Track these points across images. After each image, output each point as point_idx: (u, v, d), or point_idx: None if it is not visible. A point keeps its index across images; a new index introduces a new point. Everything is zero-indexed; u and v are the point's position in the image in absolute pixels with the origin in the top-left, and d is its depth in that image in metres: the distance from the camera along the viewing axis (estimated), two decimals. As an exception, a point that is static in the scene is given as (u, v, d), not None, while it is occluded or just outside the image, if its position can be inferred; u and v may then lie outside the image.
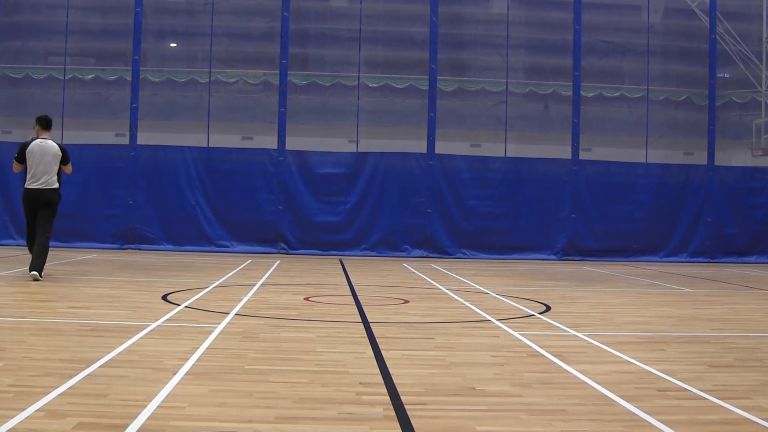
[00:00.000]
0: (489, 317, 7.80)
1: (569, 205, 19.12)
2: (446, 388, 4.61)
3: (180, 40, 20.38)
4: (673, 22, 21.03)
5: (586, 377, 4.96)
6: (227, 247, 18.24)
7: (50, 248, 10.61)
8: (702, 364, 5.58)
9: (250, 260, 15.62)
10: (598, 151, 20.07)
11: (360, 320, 7.36)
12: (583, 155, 19.59)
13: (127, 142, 18.46)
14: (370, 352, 5.67)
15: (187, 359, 5.14)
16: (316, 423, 3.81)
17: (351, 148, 19.42)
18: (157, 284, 10.29)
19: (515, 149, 19.67)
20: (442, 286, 11.29)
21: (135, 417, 3.72)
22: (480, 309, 8.47)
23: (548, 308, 8.72)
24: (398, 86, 20.27)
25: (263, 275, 12.17)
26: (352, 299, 9.25)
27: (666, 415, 4.06)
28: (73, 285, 9.93)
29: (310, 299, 9.11)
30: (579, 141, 19.42)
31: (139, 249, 17.83)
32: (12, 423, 3.55)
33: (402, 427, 3.76)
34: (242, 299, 8.72)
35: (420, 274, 13.42)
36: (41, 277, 10.04)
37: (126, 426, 3.58)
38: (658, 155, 19.91)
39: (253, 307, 8.09)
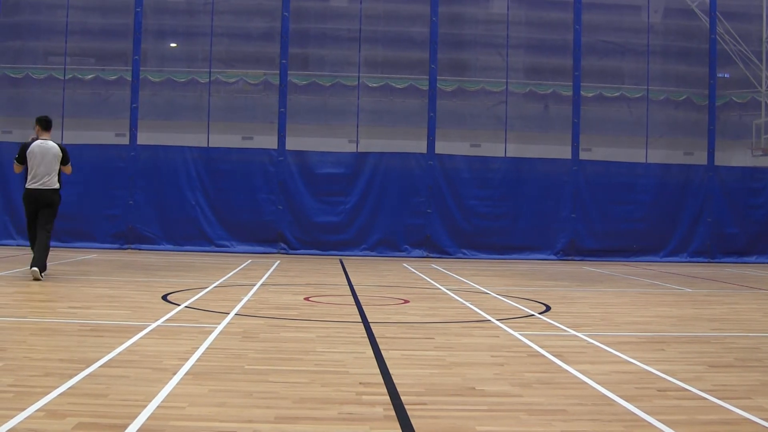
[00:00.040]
0: (489, 317, 7.80)
1: (569, 205, 19.12)
2: (446, 388, 4.61)
3: (180, 40, 20.38)
4: (673, 22, 21.03)
5: (586, 377, 4.96)
6: (227, 247, 18.24)
7: (50, 248, 10.63)
8: (702, 364, 5.58)
9: (250, 260, 15.62)
10: (598, 151, 20.07)
11: (360, 320, 7.36)
12: (583, 155, 19.59)
13: (127, 142, 18.46)
14: (370, 352, 5.67)
15: (187, 359, 5.14)
16: (316, 423, 3.81)
17: (351, 148, 19.42)
18: (157, 284, 10.29)
19: (515, 149, 19.67)
20: (442, 286, 11.29)
21: (135, 417, 3.72)
22: (480, 309, 8.47)
23: (548, 308, 8.73)
24: (398, 86, 20.27)
25: (263, 275, 12.17)
26: (352, 299, 9.25)
27: (666, 415, 4.06)
28: (73, 285, 9.93)
29: (310, 299, 9.11)
30: (579, 141, 19.42)
31: (139, 249, 17.83)
32: (12, 423, 3.55)
33: (402, 427, 3.76)
34: (242, 299, 8.72)
35: (420, 274, 13.42)
36: (42, 276, 10.05)
37: (126, 426, 3.58)
38: (658, 155, 19.91)
39: (253, 307, 8.09)
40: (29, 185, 10.32)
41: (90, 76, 19.74)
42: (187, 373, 4.74)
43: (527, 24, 20.80)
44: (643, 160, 19.73)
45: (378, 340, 6.22)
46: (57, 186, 10.43)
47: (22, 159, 10.35)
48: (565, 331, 7.03)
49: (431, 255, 18.55)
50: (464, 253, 18.68)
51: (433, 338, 6.49)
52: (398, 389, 4.51)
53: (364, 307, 8.45)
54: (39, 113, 11.04)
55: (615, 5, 20.83)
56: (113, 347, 5.46)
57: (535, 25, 20.75)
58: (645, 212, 19.29)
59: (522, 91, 20.52)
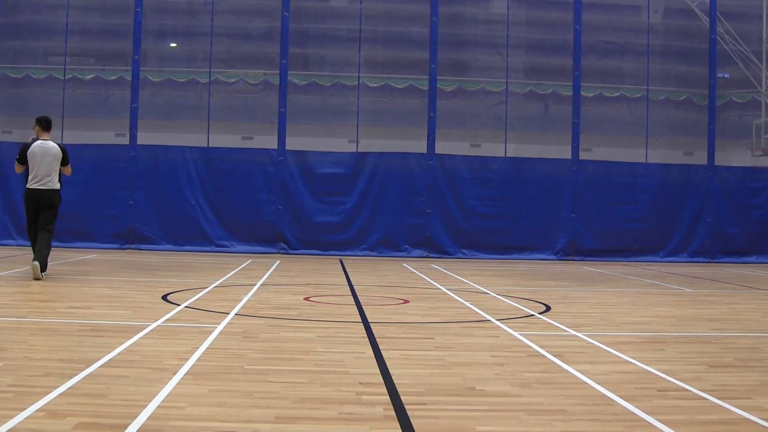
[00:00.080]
0: (489, 317, 7.80)
1: (569, 205, 19.12)
2: (446, 388, 4.61)
3: (180, 40, 20.37)
4: (673, 22, 21.03)
5: (586, 377, 4.96)
6: (227, 247, 18.24)
7: (51, 248, 10.64)
8: (702, 364, 5.58)
9: (250, 260, 15.62)
10: (598, 151, 20.07)
11: (360, 320, 7.36)
12: (583, 155, 19.59)
13: (127, 142, 18.46)
14: (370, 352, 5.67)
15: (187, 359, 5.14)
16: (316, 423, 3.81)
17: (351, 148, 19.42)
18: (157, 284, 10.29)
19: (515, 149, 19.67)
20: (442, 286, 11.29)
21: (135, 417, 3.73)
22: (480, 309, 8.47)
23: (548, 308, 8.73)
24: (398, 86, 20.27)
25: (263, 275, 12.17)
26: (352, 299, 9.25)
27: (666, 415, 4.06)
28: (73, 285, 9.93)
29: (310, 299, 9.11)
30: (579, 141, 19.42)
31: (139, 249, 17.83)
32: (12, 423, 3.55)
33: (402, 427, 3.76)
34: (242, 299, 8.72)
35: (420, 274, 13.42)
36: (42, 276, 10.06)
37: (126, 426, 3.58)
38: (658, 155, 19.91)
39: (253, 307, 8.09)
40: (30, 185, 10.35)
41: (90, 76, 19.74)
42: (187, 373, 4.74)
43: (527, 24, 20.79)
44: (643, 160, 19.73)
45: (378, 340, 6.22)
46: (58, 186, 10.46)
47: (23, 159, 10.38)
48: (565, 331, 7.03)
49: (431, 255, 18.55)
50: (464, 253, 18.68)
51: (433, 338, 6.49)
52: (398, 389, 4.51)
53: (364, 307, 8.45)
54: (39, 113, 11.05)
55: (615, 5, 20.83)
56: (113, 347, 5.46)
57: (535, 25, 20.74)
58: (645, 212, 19.30)
59: (522, 91, 20.52)
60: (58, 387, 4.24)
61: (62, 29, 19.15)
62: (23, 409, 3.77)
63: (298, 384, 4.59)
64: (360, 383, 4.66)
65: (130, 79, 18.71)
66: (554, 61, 20.45)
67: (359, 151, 19.19)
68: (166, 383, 4.44)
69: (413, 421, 3.85)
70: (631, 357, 5.71)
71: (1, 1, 19.10)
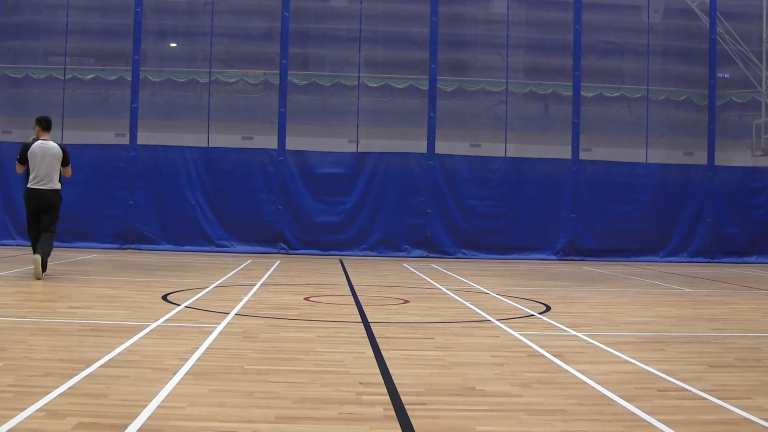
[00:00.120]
0: (489, 317, 7.80)
1: (569, 205, 19.12)
2: (446, 388, 4.61)
3: (180, 40, 20.37)
4: (673, 22, 21.03)
5: (586, 377, 4.96)
6: (227, 247, 18.24)
7: (52, 248, 10.67)
8: (702, 364, 5.58)
9: (250, 260, 15.62)
10: (598, 151, 20.07)
11: (360, 320, 7.36)
12: (583, 155, 19.59)
13: (127, 142, 18.46)
14: (370, 352, 5.67)
15: (187, 359, 5.14)
16: (316, 423, 3.81)
17: (351, 148, 19.42)
18: (157, 284, 10.29)
19: (515, 149, 19.67)
20: (442, 286, 11.29)
21: (135, 417, 3.73)
22: (480, 309, 8.47)
23: (548, 308, 8.73)
24: (398, 86, 20.27)
25: (263, 275, 12.17)
26: (352, 299, 9.25)
27: (666, 415, 4.06)
28: (73, 285, 9.93)
29: (310, 299, 9.11)
30: (579, 141, 19.42)
31: (139, 249, 17.83)
32: (12, 423, 3.55)
33: (402, 427, 3.76)
34: (242, 299, 8.72)
35: (420, 274, 13.42)
36: (42, 276, 10.07)
37: (126, 426, 3.58)
38: (658, 155, 19.91)
39: (253, 307, 8.09)
40: (31, 185, 10.37)
41: (90, 76, 19.74)
42: (187, 373, 4.74)
43: (527, 24, 20.79)
44: (643, 160, 19.73)
45: (378, 340, 6.22)
46: (58, 186, 10.48)
47: (24, 159, 10.41)
48: (565, 331, 7.03)
49: (431, 255, 18.55)
50: (464, 253, 18.68)
51: (433, 338, 6.49)
52: (398, 389, 4.51)
53: (364, 307, 8.45)
54: (39, 113, 11.06)
55: (615, 5, 20.83)
56: (113, 347, 5.46)
57: (535, 25, 20.74)
58: (645, 212, 19.30)
59: (522, 91, 20.52)
60: (58, 387, 4.24)
61: (62, 29, 19.15)
62: (23, 409, 3.77)
63: (298, 384, 4.59)
64: (360, 383, 4.66)
65: (130, 79, 18.71)
66: (554, 61, 20.45)
67: (359, 151, 19.19)
68: (166, 383, 4.44)
69: (413, 421, 3.85)
70: (631, 357, 5.71)
71: (1, 1, 19.10)
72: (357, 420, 3.88)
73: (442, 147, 19.06)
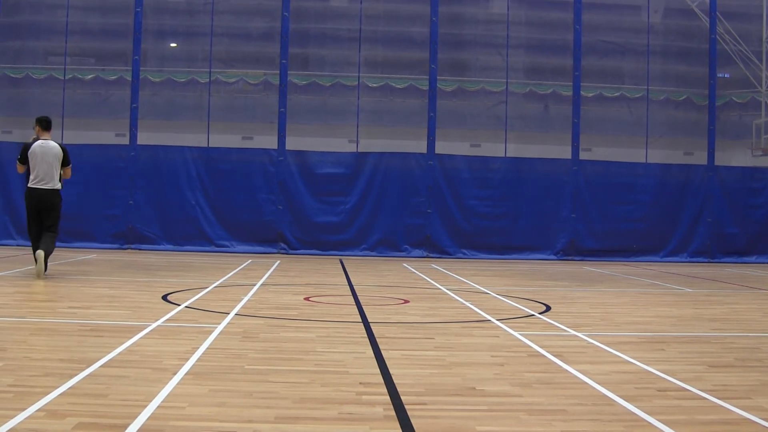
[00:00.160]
0: (489, 317, 7.80)
1: (569, 205, 19.13)
2: (446, 388, 4.61)
3: (180, 40, 20.37)
4: (673, 22, 21.03)
5: (586, 377, 4.96)
6: (227, 247, 18.24)
7: (54, 247, 10.69)
8: (702, 364, 5.58)
9: (250, 260, 15.62)
10: (598, 151, 20.07)
11: (360, 320, 7.36)
12: (583, 155, 19.59)
13: (127, 142, 18.46)
14: (370, 352, 5.67)
15: (187, 359, 5.14)
16: (316, 423, 3.81)
17: (351, 148, 19.42)
18: (157, 284, 10.29)
19: (515, 149, 19.67)
20: (442, 286, 11.29)
21: (135, 417, 3.73)
22: (480, 309, 8.47)
23: (548, 308, 8.73)
24: (398, 86, 20.27)
25: (263, 275, 12.17)
26: (352, 299, 9.25)
27: (666, 415, 4.06)
28: (73, 285, 9.94)
29: (310, 299, 9.11)
30: (579, 141, 19.42)
31: (139, 249, 17.83)
32: (12, 423, 3.55)
33: (402, 427, 3.76)
34: (242, 299, 8.72)
35: (420, 274, 13.42)
36: (45, 271, 10.11)
37: (126, 426, 3.58)
38: (658, 155, 19.91)
39: (253, 307, 8.09)
40: (31, 185, 10.40)
41: (90, 76, 19.74)
42: (187, 373, 4.74)
43: (527, 24, 20.79)
44: (643, 160, 19.73)
45: (378, 340, 6.22)
46: (59, 186, 10.50)
47: (24, 159, 10.45)
48: (565, 331, 7.03)
49: (431, 255, 18.55)
50: (464, 253, 18.68)
51: (433, 338, 6.49)
52: (398, 389, 4.51)
53: (364, 307, 8.45)
54: (39, 113, 11.08)
55: (615, 5, 20.83)
56: (113, 347, 5.46)
57: (535, 25, 20.74)
58: (645, 212, 19.30)
59: (522, 91, 20.52)
60: (58, 387, 4.24)
61: (62, 29, 19.15)
62: (23, 409, 3.77)
63: (298, 384, 4.59)
64: (360, 383, 4.66)
65: (130, 79, 18.71)
66: (554, 61, 20.45)
67: (359, 151, 19.19)
68: (166, 383, 4.44)
69: (413, 421, 3.85)
70: (631, 357, 5.71)
71: (1, 1, 19.10)
72: (357, 420, 3.88)
73: (442, 147, 19.06)
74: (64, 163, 10.51)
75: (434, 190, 18.82)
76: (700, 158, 19.82)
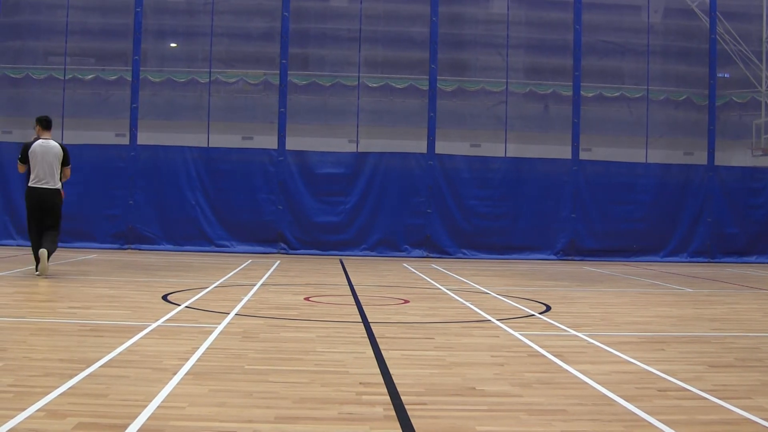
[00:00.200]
0: (489, 317, 7.80)
1: (569, 205, 19.12)
2: (446, 388, 4.61)
3: (180, 40, 20.37)
4: (673, 22, 21.03)
5: (586, 377, 4.96)
6: (227, 247, 18.24)
7: (57, 247, 10.71)
8: (702, 364, 5.58)
9: (250, 260, 15.62)
10: (598, 151, 20.07)
11: (360, 320, 7.36)
12: (583, 155, 19.59)
13: (127, 142, 18.46)
14: (370, 352, 5.67)
15: (187, 359, 5.14)
16: (316, 423, 3.81)
17: (351, 148, 19.42)
18: (157, 284, 10.29)
19: (515, 149, 19.67)
20: (442, 286, 11.28)
21: (135, 417, 3.72)
22: (480, 309, 8.47)
23: (548, 308, 8.73)
24: (398, 86, 20.27)
25: (263, 275, 12.17)
26: (352, 299, 9.25)
27: (666, 415, 4.06)
28: (73, 285, 9.93)
29: (310, 299, 9.11)
30: (579, 141, 19.42)
31: (139, 249, 17.83)
32: (12, 423, 3.55)
33: (402, 427, 3.76)
34: (242, 299, 8.72)
35: (420, 274, 13.42)
36: (48, 271, 10.12)
37: (126, 426, 3.58)
38: (658, 155, 19.91)
39: (253, 307, 8.09)
40: (31, 184, 10.41)
41: (90, 76, 19.74)
42: (187, 373, 4.74)
43: (527, 24, 20.79)
44: (643, 160, 19.73)
45: (378, 340, 6.22)
46: (59, 186, 10.52)
47: (25, 158, 10.47)
48: (565, 331, 7.03)
49: (431, 255, 18.55)
50: (464, 253, 18.68)
51: (433, 338, 6.48)
52: (398, 389, 4.50)
53: (364, 307, 8.45)
54: (39, 113, 11.09)
55: (615, 5, 20.83)
56: (113, 347, 5.46)
57: (535, 25, 20.74)
58: (645, 212, 19.30)
59: (522, 91, 20.52)
60: (58, 387, 4.24)
61: (62, 29, 19.15)
62: (23, 409, 3.77)
63: (298, 384, 4.59)
64: (360, 383, 4.66)
65: (130, 79, 18.71)
66: (554, 61, 20.45)
67: (359, 151, 19.19)
68: (166, 383, 4.44)
69: (413, 421, 3.85)
70: (631, 357, 5.70)
71: (1, 1, 19.10)
72: (357, 420, 3.88)
73: (442, 147, 19.06)
74: (64, 162, 10.52)
75: (434, 190, 18.82)
76: (700, 158, 19.82)
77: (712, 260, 19.22)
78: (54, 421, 3.62)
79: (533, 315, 8.11)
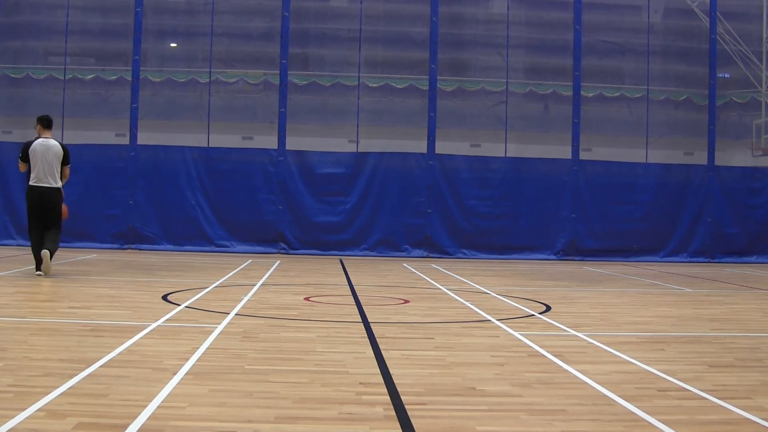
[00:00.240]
0: (489, 317, 7.80)
1: (569, 205, 19.12)
2: (446, 388, 4.61)
3: (180, 40, 20.37)
4: (673, 22, 21.03)
5: (586, 377, 4.96)
6: (227, 247, 18.24)
7: (58, 246, 10.72)
8: (702, 364, 5.58)
9: (250, 260, 15.62)
10: (598, 151, 20.07)
11: (360, 320, 7.36)
12: (583, 155, 19.59)
13: (127, 142, 18.46)
14: (370, 352, 5.67)
15: (187, 359, 5.14)
16: (316, 423, 3.81)
17: (351, 148, 19.42)
18: (157, 284, 10.29)
19: (515, 149, 19.67)
20: (442, 286, 11.29)
21: (135, 417, 3.73)
22: (480, 309, 8.47)
23: (548, 308, 8.73)
24: (398, 86, 20.27)
25: (263, 275, 12.17)
26: (352, 299, 9.25)
27: (666, 415, 4.06)
28: (73, 285, 9.94)
29: (310, 299, 9.11)
30: (579, 141, 19.42)
31: (139, 249, 17.83)
32: (12, 423, 3.55)
33: (402, 427, 3.76)
34: (242, 299, 8.72)
35: (420, 274, 13.42)
36: (50, 271, 10.13)
37: (126, 426, 3.58)
38: (658, 155, 19.91)
39: (253, 307, 8.09)
40: (32, 183, 10.42)
41: (90, 76, 19.74)
42: (187, 373, 4.74)
43: (527, 24, 20.79)
44: (643, 160, 19.73)
45: (378, 340, 6.22)
46: (59, 185, 10.52)
47: (26, 157, 10.48)
48: (565, 331, 7.03)
49: (431, 255, 18.55)
50: (464, 253, 18.68)
51: (433, 338, 6.48)
52: (398, 389, 4.51)
53: (364, 307, 8.45)
54: (39, 113, 11.10)
55: (615, 5, 20.83)
56: (113, 347, 5.46)
57: (535, 25, 20.74)
58: (645, 212, 19.30)
59: (522, 91, 20.52)
60: (58, 387, 4.24)
61: (62, 29, 19.15)
62: (23, 409, 3.77)
63: (298, 384, 4.59)
64: (360, 383, 4.66)
65: (130, 79, 18.71)
66: (554, 61, 20.45)
67: (359, 151, 19.19)
68: (166, 383, 4.44)
69: (413, 421, 3.85)
70: (631, 357, 5.71)
71: (1, 1, 19.10)
72: (357, 420, 3.88)
73: (442, 147, 19.06)
74: (64, 162, 10.53)
75: (434, 190, 18.82)
76: (700, 158, 19.82)
77: (712, 260, 19.22)
78: (54, 421, 3.62)
79: (533, 315, 8.11)
